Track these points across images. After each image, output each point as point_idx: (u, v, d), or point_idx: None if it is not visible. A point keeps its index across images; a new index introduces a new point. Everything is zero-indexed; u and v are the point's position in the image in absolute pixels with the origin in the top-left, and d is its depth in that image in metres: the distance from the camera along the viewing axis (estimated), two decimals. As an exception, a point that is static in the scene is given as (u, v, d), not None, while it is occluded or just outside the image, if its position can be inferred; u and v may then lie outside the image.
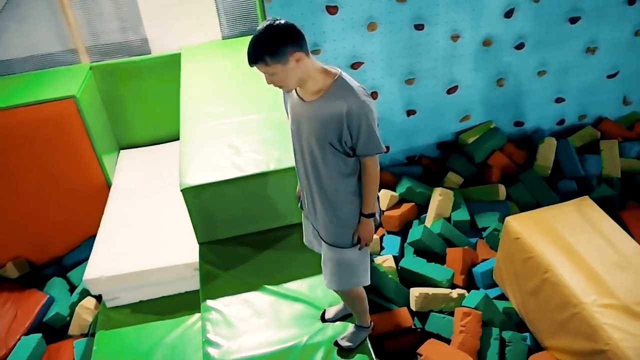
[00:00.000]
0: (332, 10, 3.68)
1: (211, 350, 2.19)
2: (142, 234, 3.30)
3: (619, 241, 2.82)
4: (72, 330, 3.33)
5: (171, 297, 3.19)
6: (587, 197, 3.18)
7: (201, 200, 2.63)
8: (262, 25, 1.61)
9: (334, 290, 2.18)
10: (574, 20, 4.16)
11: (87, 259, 3.23)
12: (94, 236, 3.39)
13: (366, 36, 3.85)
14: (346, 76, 1.74)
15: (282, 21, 1.59)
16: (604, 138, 4.51)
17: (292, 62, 1.61)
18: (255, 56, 1.61)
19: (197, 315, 2.98)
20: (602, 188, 3.99)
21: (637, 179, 4.16)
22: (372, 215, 1.91)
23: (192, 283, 3.10)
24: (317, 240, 2.14)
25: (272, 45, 1.57)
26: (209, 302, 2.43)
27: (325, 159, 1.79)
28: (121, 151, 4.36)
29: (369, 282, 2.09)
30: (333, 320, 2.31)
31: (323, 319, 2.33)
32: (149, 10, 3.93)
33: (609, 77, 4.59)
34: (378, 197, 1.96)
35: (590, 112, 4.78)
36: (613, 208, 3.78)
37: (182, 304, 3.12)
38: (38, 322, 3.37)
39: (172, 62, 3.97)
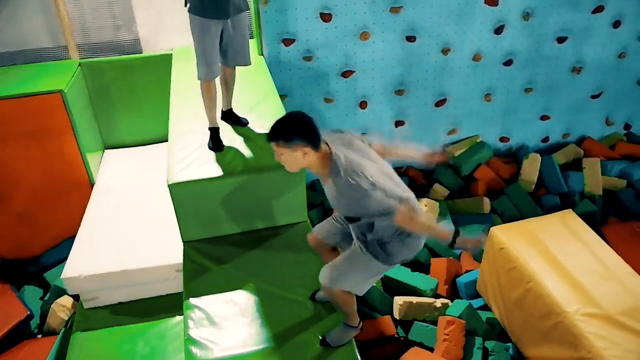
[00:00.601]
0: (326, 17, 3.72)
1: (193, 348, 2.14)
2: (124, 234, 3.23)
3: (601, 253, 2.87)
4: (46, 327, 3.22)
5: (152, 299, 3.12)
6: (570, 210, 3.23)
7: (188, 197, 2.60)
8: (291, 113, 1.88)
9: (326, 291, 2.18)
10: (561, 40, 4.28)
11: (66, 258, 3.14)
12: (75, 236, 3.31)
13: (358, 45, 3.89)
14: (336, 156, 1.86)
15: (306, 117, 1.83)
16: (586, 156, 4.61)
17: (300, 153, 1.83)
18: (272, 136, 1.85)
19: (179, 317, 2.91)
20: (585, 204, 4.07)
21: (618, 197, 4.25)
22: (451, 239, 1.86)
23: (174, 285, 3.04)
24: (342, 240, 2.23)
25: (289, 134, 1.81)
26: (192, 300, 2.38)
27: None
28: (106, 150, 4.30)
29: (362, 294, 2.15)
30: (322, 301, 2.33)
31: (313, 298, 2.35)
32: (143, 9, 3.92)
33: (593, 97, 4.72)
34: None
35: (574, 130, 4.89)
36: (595, 223, 3.86)
37: (163, 307, 3.05)
38: (11, 333, 3.23)
39: (163, 63, 3.94)
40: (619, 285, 2.66)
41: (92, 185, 3.82)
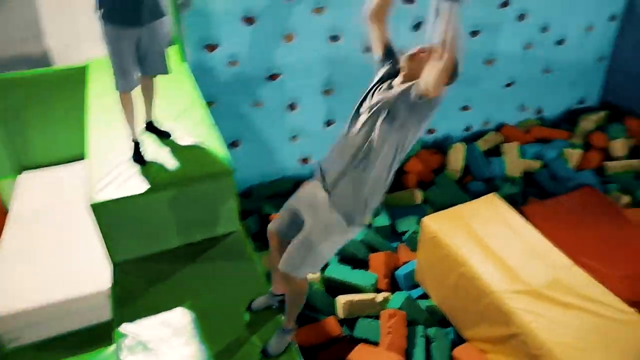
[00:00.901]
0: (248, 20, 3.66)
1: (128, 377, 2.03)
2: (44, 264, 3.01)
3: (524, 231, 3.06)
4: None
5: (82, 331, 2.92)
6: (494, 193, 3.42)
7: (112, 216, 2.46)
8: None
9: (285, 280, 2.11)
10: (475, 34, 4.51)
11: (-19, 296, 2.87)
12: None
13: (283, 47, 3.88)
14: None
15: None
16: (506, 142, 4.90)
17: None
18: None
19: (113, 346, 2.75)
20: (507, 187, 4.32)
21: (535, 178, 4.56)
22: None
23: (105, 313, 2.86)
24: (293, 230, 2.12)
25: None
26: (123, 327, 2.26)
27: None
28: (21, 173, 3.98)
29: (317, 270, 2.10)
30: (259, 309, 2.32)
31: (250, 308, 2.33)
32: (53, 19, 3.66)
33: (507, 86, 5.02)
34: None
35: (492, 118, 5.18)
36: (516, 204, 4.09)
37: (96, 337, 2.87)
38: None
39: (78, 76, 3.71)
40: (541, 260, 2.85)
41: (6, 212, 3.53)
